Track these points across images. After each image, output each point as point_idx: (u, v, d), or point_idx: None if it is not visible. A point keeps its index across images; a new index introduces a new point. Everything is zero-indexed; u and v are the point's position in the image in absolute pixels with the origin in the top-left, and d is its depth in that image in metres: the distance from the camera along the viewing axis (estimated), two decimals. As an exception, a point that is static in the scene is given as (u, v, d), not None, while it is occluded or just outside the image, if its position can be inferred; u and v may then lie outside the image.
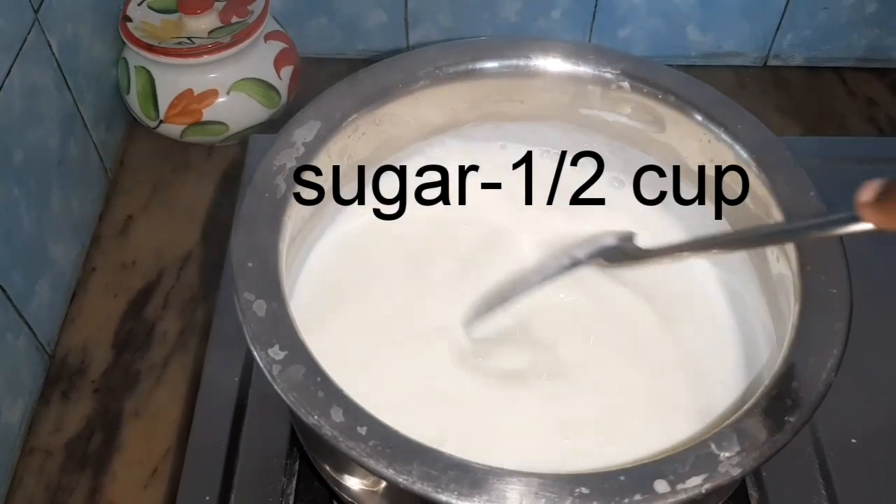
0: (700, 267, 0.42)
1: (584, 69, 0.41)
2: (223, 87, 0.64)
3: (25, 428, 0.54)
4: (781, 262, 0.36)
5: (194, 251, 0.64)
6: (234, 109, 0.65)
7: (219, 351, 0.45)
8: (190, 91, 0.64)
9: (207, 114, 0.65)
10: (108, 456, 0.54)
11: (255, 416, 0.42)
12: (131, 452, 0.54)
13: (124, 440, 0.54)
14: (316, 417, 0.29)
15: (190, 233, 0.65)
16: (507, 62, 0.41)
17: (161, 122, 0.65)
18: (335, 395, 0.29)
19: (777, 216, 0.37)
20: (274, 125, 0.68)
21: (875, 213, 0.27)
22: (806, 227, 0.34)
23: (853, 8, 0.73)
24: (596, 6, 0.72)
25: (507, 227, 0.43)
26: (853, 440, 0.43)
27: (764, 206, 0.37)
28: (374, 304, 0.40)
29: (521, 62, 0.41)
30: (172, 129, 0.66)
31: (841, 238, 0.35)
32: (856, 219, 0.28)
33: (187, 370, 0.57)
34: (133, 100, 0.66)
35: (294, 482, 0.41)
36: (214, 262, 0.63)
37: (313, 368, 0.30)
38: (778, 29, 0.74)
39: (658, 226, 0.43)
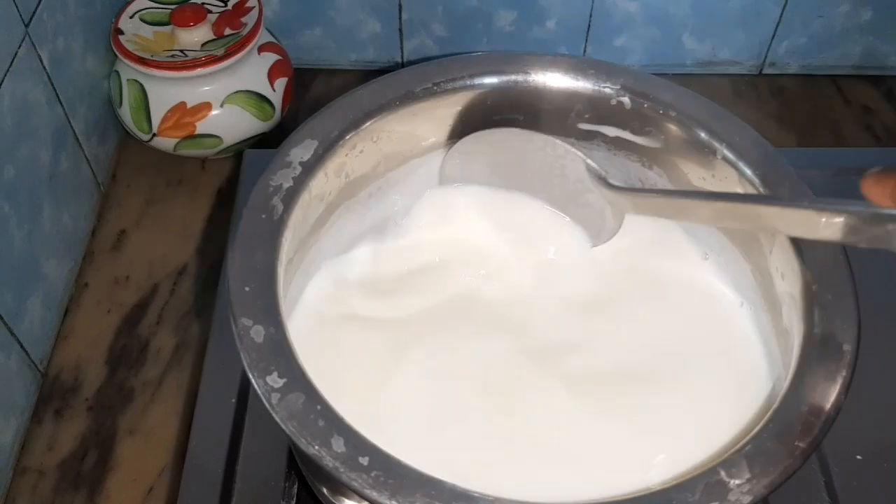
0: (711, 284, 0.41)
1: (583, 84, 0.40)
2: (217, 99, 0.64)
3: (18, 448, 0.54)
4: (787, 279, 0.35)
5: (188, 265, 0.63)
6: (227, 122, 0.64)
7: (215, 370, 0.44)
8: (183, 104, 0.63)
9: (201, 127, 0.64)
10: (102, 475, 0.53)
11: (252, 437, 0.42)
12: (126, 471, 0.53)
13: (119, 459, 0.54)
14: (316, 448, 0.28)
15: (184, 247, 0.64)
16: (505, 77, 0.41)
17: (154, 135, 0.65)
18: (336, 424, 0.29)
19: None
20: (268, 138, 0.67)
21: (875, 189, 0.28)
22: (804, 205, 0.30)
23: (848, 16, 0.73)
24: (591, 16, 0.72)
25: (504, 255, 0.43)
26: (858, 456, 0.42)
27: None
28: (377, 328, 0.39)
29: (520, 77, 0.41)
30: (165, 143, 0.65)
31: (846, 254, 0.35)
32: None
33: (182, 387, 0.57)
34: (125, 113, 0.65)
35: (293, 505, 0.40)
36: (209, 277, 0.62)
37: (313, 396, 0.29)
38: (773, 37, 0.74)
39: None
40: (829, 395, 0.30)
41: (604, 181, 0.40)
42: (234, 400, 0.42)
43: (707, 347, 0.39)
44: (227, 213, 0.60)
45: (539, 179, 0.42)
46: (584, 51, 0.74)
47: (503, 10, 0.72)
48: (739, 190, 0.38)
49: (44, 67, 0.57)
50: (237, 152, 0.67)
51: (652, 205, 0.38)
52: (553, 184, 0.42)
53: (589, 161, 0.40)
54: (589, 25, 0.73)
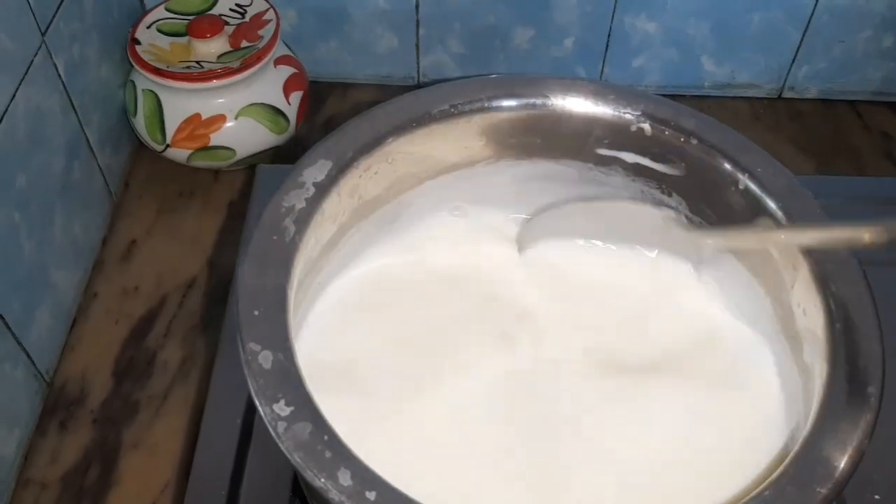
0: (728, 320, 0.40)
1: (603, 109, 0.40)
2: (231, 112, 0.63)
3: (21, 459, 0.53)
4: (809, 316, 0.34)
5: (198, 278, 0.62)
6: (241, 135, 0.64)
7: (221, 389, 0.44)
8: (198, 115, 0.63)
9: (215, 139, 0.64)
10: (104, 489, 0.52)
11: (256, 460, 0.41)
12: (129, 486, 0.53)
13: (122, 473, 0.53)
14: (323, 480, 0.27)
15: (194, 259, 0.63)
16: (523, 100, 0.40)
17: (168, 146, 0.64)
18: (343, 456, 0.28)
19: (802, 265, 0.36)
20: (282, 151, 0.67)
21: None
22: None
23: (869, 41, 0.72)
24: (609, 35, 0.71)
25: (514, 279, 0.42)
26: (876, 496, 0.41)
27: (789, 254, 0.36)
28: (387, 356, 0.38)
29: (539, 100, 0.40)
30: (179, 154, 0.65)
31: (871, 292, 0.34)
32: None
33: (188, 402, 0.56)
34: (140, 123, 0.65)
35: (296, 530, 0.40)
36: (218, 290, 0.61)
37: (321, 426, 0.28)
38: (793, 61, 0.73)
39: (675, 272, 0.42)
40: (853, 439, 0.29)
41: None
42: (239, 421, 0.42)
43: (723, 386, 0.38)
44: (238, 225, 0.59)
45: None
46: (602, 70, 0.74)
47: (520, 27, 0.71)
48: (760, 220, 0.37)
49: (59, 76, 0.57)
50: (251, 165, 0.66)
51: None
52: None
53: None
54: (607, 45, 0.72)
